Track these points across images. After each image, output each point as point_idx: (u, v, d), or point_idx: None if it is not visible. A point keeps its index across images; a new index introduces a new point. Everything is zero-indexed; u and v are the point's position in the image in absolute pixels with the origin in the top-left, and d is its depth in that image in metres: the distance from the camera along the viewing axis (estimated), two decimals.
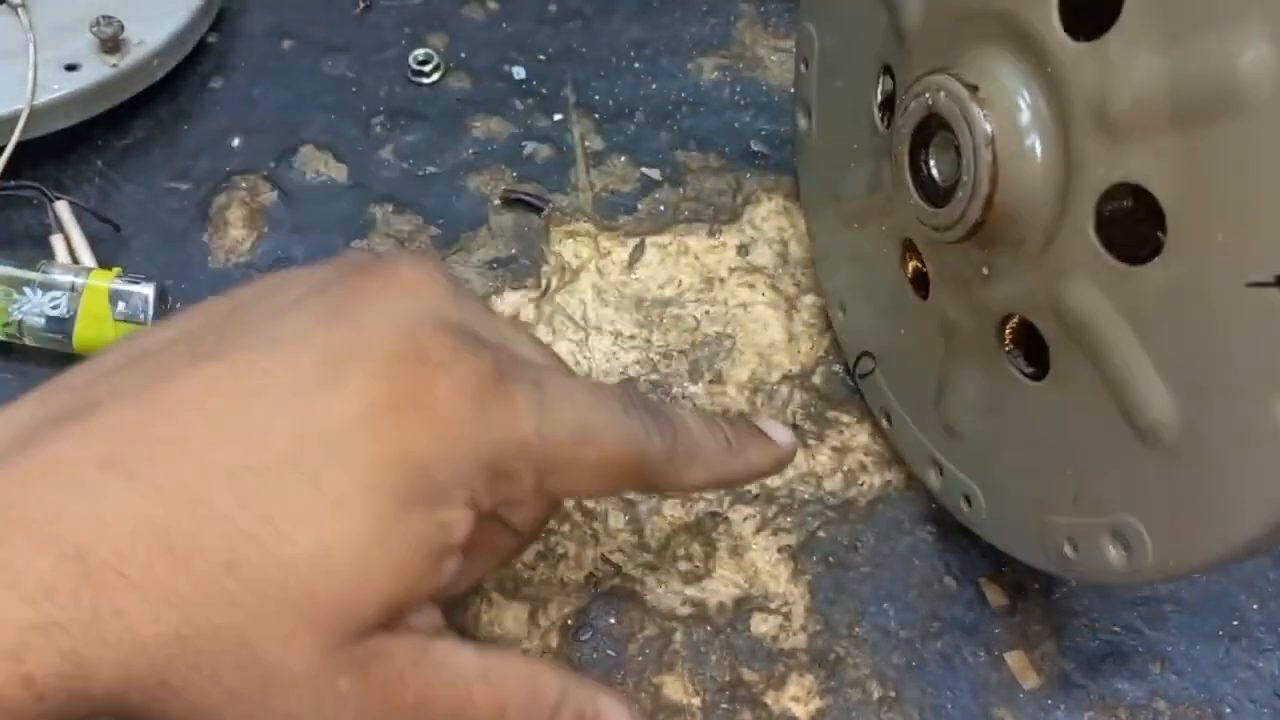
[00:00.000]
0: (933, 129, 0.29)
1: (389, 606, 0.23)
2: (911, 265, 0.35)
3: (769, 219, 0.44)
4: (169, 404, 0.22)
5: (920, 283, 0.34)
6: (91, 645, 0.20)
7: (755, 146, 0.46)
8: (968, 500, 0.33)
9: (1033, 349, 0.30)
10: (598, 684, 0.28)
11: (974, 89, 0.27)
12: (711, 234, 0.43)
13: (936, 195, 0.29)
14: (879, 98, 0.35)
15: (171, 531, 0.21)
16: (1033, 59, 0.26)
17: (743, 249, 0.43)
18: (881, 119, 0.35)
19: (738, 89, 0.48)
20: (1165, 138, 0.23)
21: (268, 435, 0.22)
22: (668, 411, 0.28)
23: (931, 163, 0.30)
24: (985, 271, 0.29)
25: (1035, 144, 0.26)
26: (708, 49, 0.49)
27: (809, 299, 0.42)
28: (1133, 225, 0.25)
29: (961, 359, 0.32)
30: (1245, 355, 0.22)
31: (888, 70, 0.34)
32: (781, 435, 0.31)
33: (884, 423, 0.37)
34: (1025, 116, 0.27)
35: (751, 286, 0.42)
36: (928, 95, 0.29)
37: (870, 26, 0.34)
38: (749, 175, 0.45)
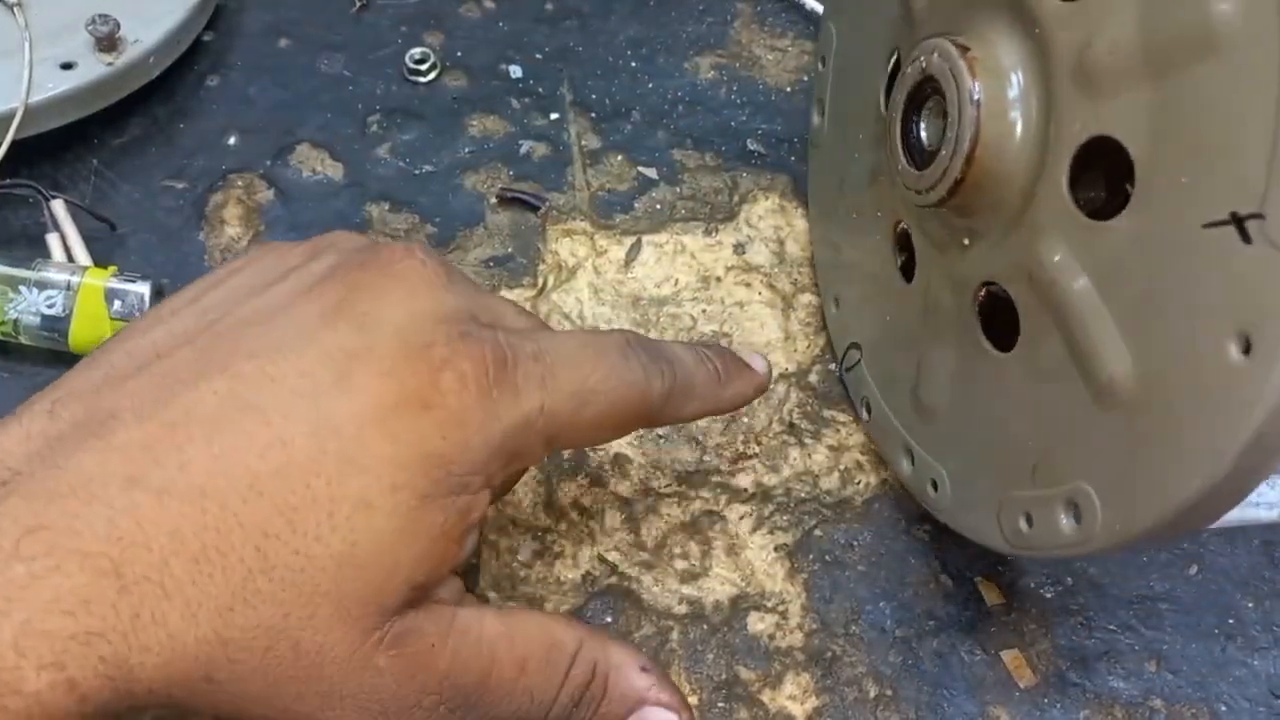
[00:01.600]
0: (926, 93, 0.30)
1: (417, 589, 0.24)
2: (900, 251, 0.35)
3: (765, 218, 0.44)
4: (185, 417, 0.23)
5: (907, 267, 0.35)
6: (133, 651, 0.21)
7: (752, 145, 0.46)
8: (934, 485, 0.33)
9: (1004, 320, 0.30)
10: (609, 636, 0.29)
11: (965, 49, 0.28)
12: (708, 233, 0.43)
13: (922, 158, 0.31)
14: (885, 85, 0.36)
15: (203, 541, 0.22)
16: (1022, 21, 0.28)
17: (739, 248, 0.43)
18: (886, 105, 0.36)
19: (734, 88, 0.48)
20: (1138, 88, 0.24)
21: (285, 442, 0.23)
22: (665, 350, 0.29)
23: (921, 126, 0.31)
24: (966, 241, 0.30)
25: (1017, 102, 0.28)
26: (705, 48, 0.49)
27: (806, 298, 0.42)
28: (1103, 180, 0.26)
29: (939, 337, 0.33)
30: (1200, 299, 0.23)
31: (896, 57, 0.35)
32: (759, 364, 0.33)
33: (864, 413, 0.38)
34: (1010, 75, 0.28)
35: (748, 285, 0.42)
36: (922, 59, 0.30)
37: (883, 15, 0.35)
38: (745, 174, 0.45)
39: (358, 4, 0.49)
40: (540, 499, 0.36)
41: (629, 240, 0.43)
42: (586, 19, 0.50)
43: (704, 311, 0.41)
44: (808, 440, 0.39)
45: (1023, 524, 0.28)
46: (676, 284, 0.42)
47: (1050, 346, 0.27)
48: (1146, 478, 0.24)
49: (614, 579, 0.35)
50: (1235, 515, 0.29)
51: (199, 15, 0.45)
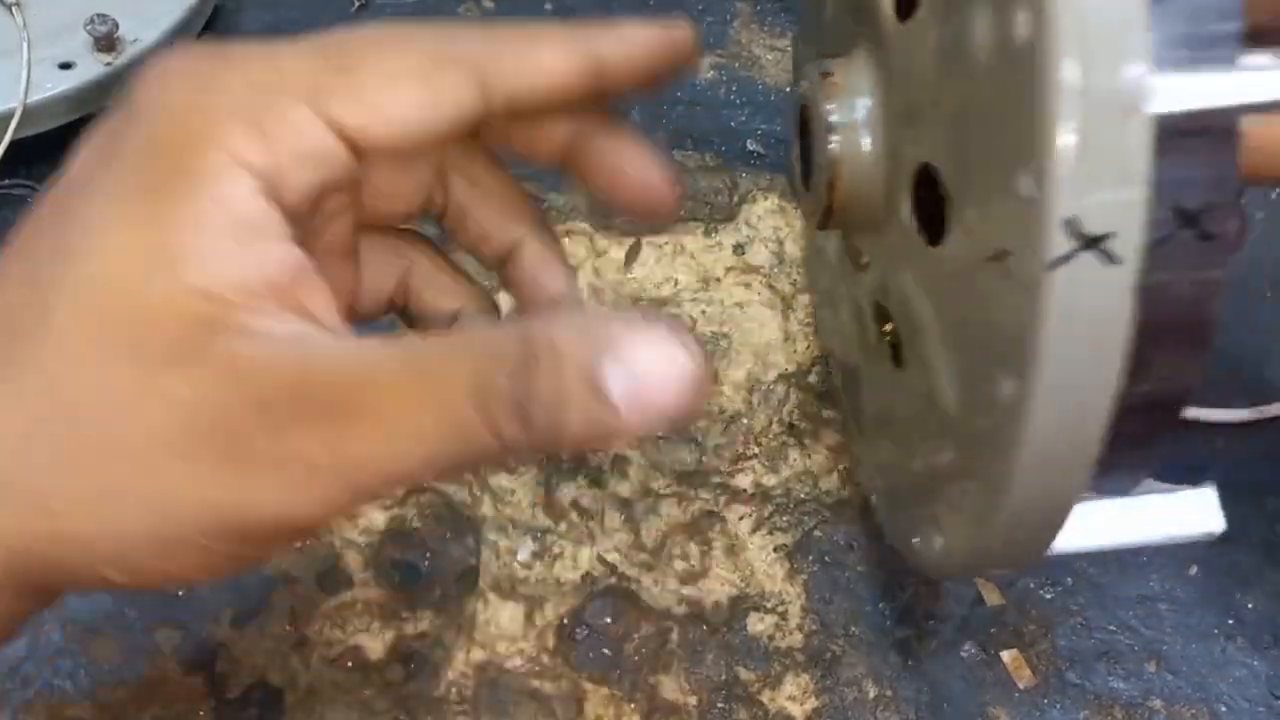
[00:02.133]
0: (808, 118, 0.30)
1: (207, 298, 0.20)
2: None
3: (765, 218, 0.44)
4: None
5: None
6: None
7: (751, 145, 0.46)
8: (874, 494, 0.34)
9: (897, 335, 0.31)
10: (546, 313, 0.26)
11: (827, 75, 0.28)
12: (708, 233, 0.43)
13: (807, 181, 0.31)
14: None
15: None
16: (876, 44, 0.27)
17: (739, 248, 0.43)
18: None
19: (734, 88, 0.48)
20: (940, 118, 0.24)
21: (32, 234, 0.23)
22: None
23: (811, 150, 0.31)
24: (863, 260, 0.31)
25: (865, 126, 0.28)
26: (704, 48, 0.49)
27: (805, 298, 0.42)
28: (934, 207, 0.26)
29: (864, 350, 0.33)
30: (985, 333, 0.23)
31: None
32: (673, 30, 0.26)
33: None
34: (860, 100, 0.28)
35: (748, 286, 0.42)
36: (802, 83, 0.30)
37: (814, 34, 0.35)
38: (745, 174, 0.45)
39: (357, 4, 0.49)
40: (539, 499, 0.36)
41: (628, 241, 0.43)
42: (586, 19, 0.50)
43: (704, 312, 0.41)
44: (807, 440, 0.39)
45: (915, 540, 0.29)
46: (676, 284, 0.42)
47: (917, 368, 0.27)
48: (967, 506, 0.25)
49: (614, 579, 0.35)
50: (1097, 541, 0.29)
51: (198, 15, 0.45)
